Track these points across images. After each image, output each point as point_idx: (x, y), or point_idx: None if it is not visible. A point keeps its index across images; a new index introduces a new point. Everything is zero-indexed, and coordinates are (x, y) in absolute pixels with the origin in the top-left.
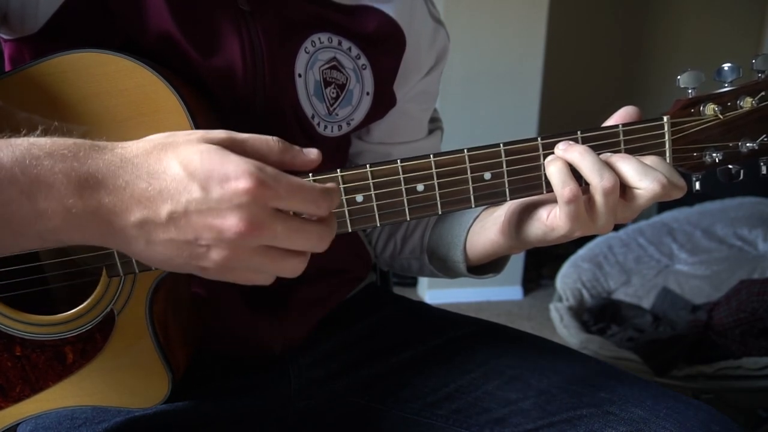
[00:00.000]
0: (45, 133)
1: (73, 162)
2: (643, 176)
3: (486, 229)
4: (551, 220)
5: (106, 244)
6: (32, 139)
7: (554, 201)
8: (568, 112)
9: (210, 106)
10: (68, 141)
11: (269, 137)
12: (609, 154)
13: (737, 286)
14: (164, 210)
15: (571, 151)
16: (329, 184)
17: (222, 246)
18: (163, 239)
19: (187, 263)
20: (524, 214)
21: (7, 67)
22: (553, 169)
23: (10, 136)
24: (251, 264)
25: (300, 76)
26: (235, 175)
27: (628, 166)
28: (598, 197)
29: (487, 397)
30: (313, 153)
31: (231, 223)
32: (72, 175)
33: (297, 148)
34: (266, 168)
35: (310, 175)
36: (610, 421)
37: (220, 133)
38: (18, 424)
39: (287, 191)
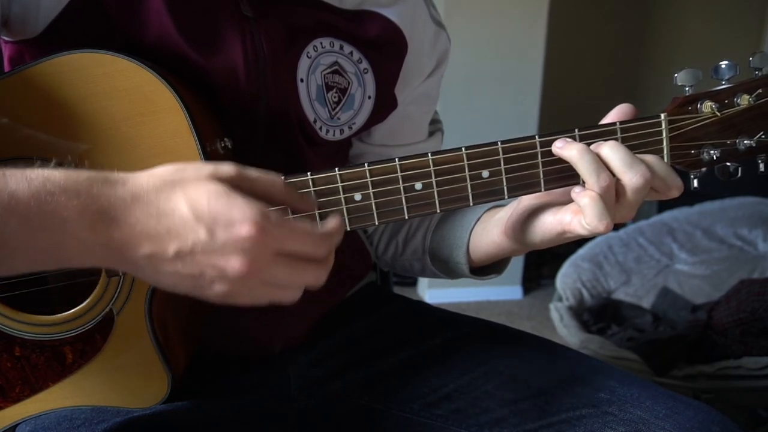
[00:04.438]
0: (58, 165)
1: (87, 199)
2: (628, 168)
3: (488, 231)
4: (564, 218)
5: (117, 269)
6: (47, 173)
7: (560, 203)
8: (568, 112)
9: (210, 106)
10: (81, 176)
11: (275, 177)
12: (600, 142)
13: (737, 286)
14: (171, 248)
15: (568, 149)
16: (331, 225)
17: (224, 282)
18: (170, 271)
19: (192, 291)
20: (532, 217)
21: (7, 67)
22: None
23: (25, 167)
24: (249, 295)
25: (302, 80)
26: (240, 220)
27: (614, 156)
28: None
29: (486, 397)
30: (312, 200)
31: (233, 264)
32: (86, 212)
33: (297, 192)
34: (270, 214)
35: (309, 173)
36: (609, 422)
37: (228, 170)
38: (17, 425)
39: (288, 237)
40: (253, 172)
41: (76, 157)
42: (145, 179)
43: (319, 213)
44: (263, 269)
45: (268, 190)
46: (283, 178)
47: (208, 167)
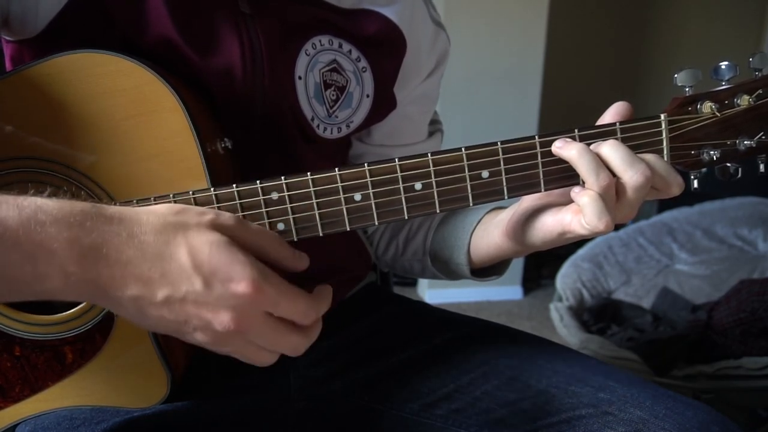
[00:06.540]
0: (54, 194)
1: (79, 232)
2: (629, 167)
3: (489, 232)
4: (564, 218)
5: (100, 305)
6: (40, 202)
7: (562, 204)
8: (568, 112)
9: (209, 106)
10: (75, 207)
11: (273, 234)
12: (600, 142)
13: (737, 286)
14: (161, 293)
15: (568, 149)
16: (321, 292)
17: (207, 333)
18: (155, 315)
19: (172, 334)
20: (533, 218)
21: (8, 66)
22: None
23: (18, 193)
24: (229, 349)
25: (300, 78)
26: (238, 277)
27: (614, 155)
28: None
29: (486, 398)
30: (305, 260)
31: (222, 319)
32: (75, 245)
33: (291, 249)
34: (269, 275)
35: (309, 173)
36: (609, 422)
37: (229, 219)
38: (17, 425)
39: (281, 300)
40: (253, 225)
41: (75, 158)
42: (144, 218)
43: (319, 213)
44: (250, 328)
45: (265, 245)
46: (283, 177)
47: (210, 214)
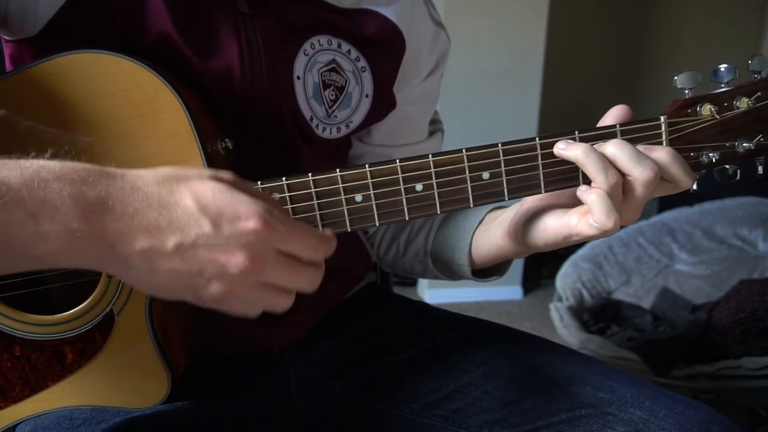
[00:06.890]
0: (54, 156)
1: (82, 186)
2: (637, 163)
3: (491, 233)
4: (570, 221)
5: (104, 269)
6: (42, 162)
7: (563, 205)
8: (568, 113)
9: (209, 106)
10: (78, 165)
11: (268, 195)
12: (602, 142)
13: (737, 286)
14: (171, 241)
15: (573, 149)
16: (327, 232)
17: (223, 280)
18: (166, 269)
19: (186, 292)
20: (535, 219)
21: (8, 67)
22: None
23: (19, 157)
24: (245, 298)
25: (299, 78)
26: (245, 215)
27: (621, 153)
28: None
29: (486, 398)
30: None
31: (237, 259)
32: (80, 200)
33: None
34: (274, 211)
35: (310, 174)
36: (609, 422)
37: (229, 175)
38: (17, 425)
39: (292, 235)
40: (252, 184)
41: (76, 158)
42: (146, 173)
43: (320, 214)
44: (265, 266)
45: (265, 195)
46: (284, 178)
47: (209, 170)
